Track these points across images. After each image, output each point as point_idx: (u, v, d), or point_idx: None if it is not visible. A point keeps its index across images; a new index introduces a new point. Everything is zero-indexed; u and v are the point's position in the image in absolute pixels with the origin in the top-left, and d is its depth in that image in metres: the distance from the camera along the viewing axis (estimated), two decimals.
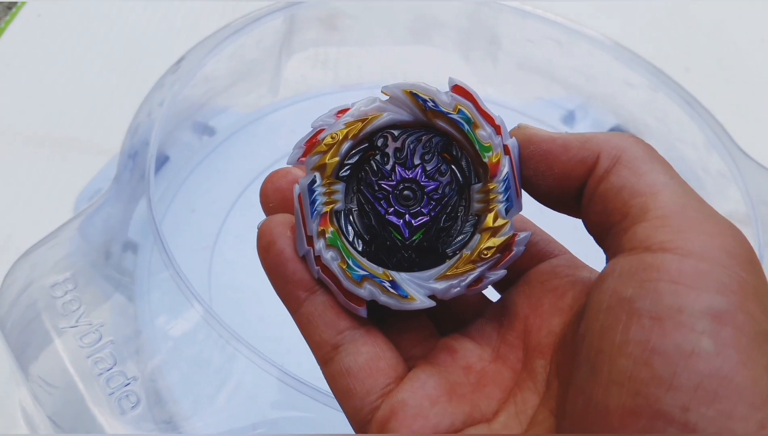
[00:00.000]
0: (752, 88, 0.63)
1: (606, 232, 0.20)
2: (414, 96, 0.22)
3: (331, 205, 0.22)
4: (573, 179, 0.21)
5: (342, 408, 0.22)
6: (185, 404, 0.30)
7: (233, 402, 0.31)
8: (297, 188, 0.22)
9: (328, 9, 0.54)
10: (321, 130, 0.22)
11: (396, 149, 0.22)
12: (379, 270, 0.22)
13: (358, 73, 0.57)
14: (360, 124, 0.22)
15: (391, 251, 0.22)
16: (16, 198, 0.47)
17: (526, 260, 0.23)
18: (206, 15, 0.61)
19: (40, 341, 0.29)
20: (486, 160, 0.22)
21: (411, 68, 0.56)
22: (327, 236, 0.21)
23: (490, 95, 0.54)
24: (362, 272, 0.21)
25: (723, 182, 0.45)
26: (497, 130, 0.22)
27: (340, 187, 0.22)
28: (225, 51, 0.45)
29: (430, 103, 0.22)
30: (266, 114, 0.52)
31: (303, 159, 0.22)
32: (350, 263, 0.21)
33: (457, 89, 0.22)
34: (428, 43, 0.57)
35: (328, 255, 0.21)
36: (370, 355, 0.21)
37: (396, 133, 0.22)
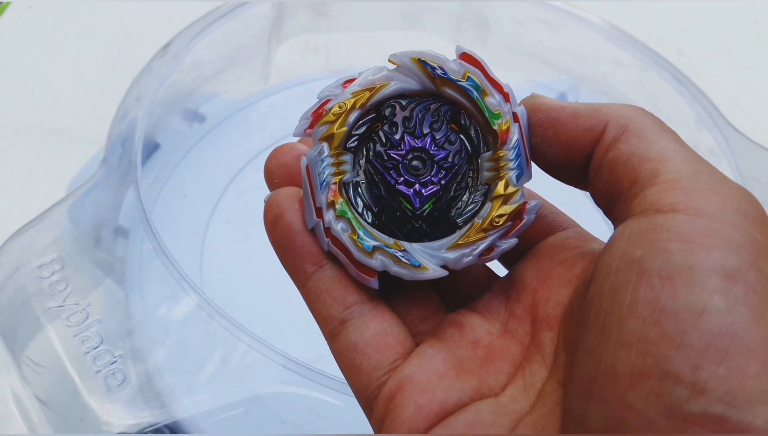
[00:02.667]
0: (745, 70, 0.63)
1: (615, 200, 0.20)
2: (422, 63, 0.21)
3: (339, 176, 0.21)
4: (580, 148, 0.21)
5: (349, 383, 0.21)
6: (172, 382, 0.30)
7: (221, 380, 0.31)
8: (304, 160, 0.21)
9: None
10: (327, 101, 0.21)
11: (405, 118, 0.22)
12: (390, 240, 0.21)
13: (348, 59, 0.57)
14: (367, 94, 0.21)
15: (401, 221, 0.22)
16: (8, 188, 0.47)
17: (535, 233, 0.23)
18: (194, 2, 0.61)
19: (29, 322, 0.29)
20: (496, 127, 0.21)
21: None
22: (336, 207, 0.21)
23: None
24: (373, 243, 0.21)
25: (714, 160, 0.45)
26: (506, 97, 0.21)
27: (347, 157, 0.22)
28: (212, 35, 0.45)
29: (439, 71, 0.21)
30: (257, 100, 0.52)
31: (310, 130, 0.22)
32: (361, 233, 0.21)
33: (466, 57, 0.22)
34: (418, 27, 0.57)
35: (338, 226, 0.21)
36: (377, 330, 0.21)
37: (404, 102, 0.22)
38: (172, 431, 0.29)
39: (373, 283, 0.21)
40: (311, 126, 0.21)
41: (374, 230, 0.21)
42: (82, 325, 0.29)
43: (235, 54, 0.50)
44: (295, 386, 0.29)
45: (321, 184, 0.21)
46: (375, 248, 0.21)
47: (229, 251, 0.43)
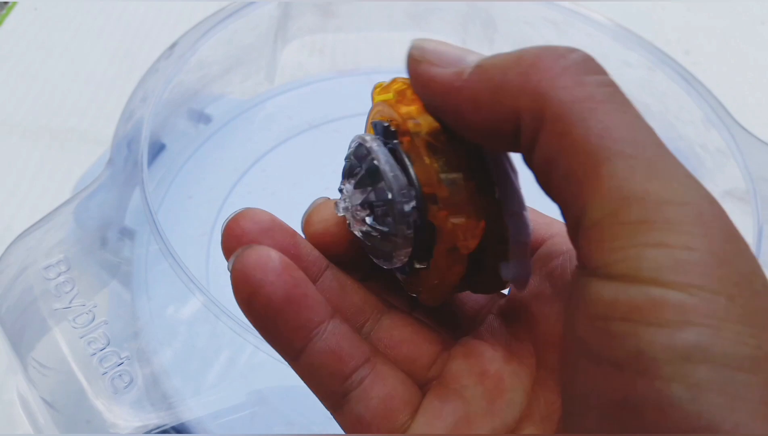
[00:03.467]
0: (753, 69, 0.63)
1: (560, 207, 0.17)
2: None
3: None
4: (501, 141, 0.17)
5: None
6: (179, 383, 0.30)
7: (228, 382, 0.31)
8: None
9: None
10: None
11: None
12: None
13: (355, 60, 0.56)
14: None
15: None
16: (15, 189, 0.47)
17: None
18: (200, 3, 0.61)
19: (35, 324, 0.29)
20: None
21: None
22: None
23: None
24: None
25: (722, 159, 0.45)
26: None
27: None
28: (218, 36, 0.45)
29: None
30: (262, 101, 0.52)
31: None
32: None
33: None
34: (425, 28, 0.57)
35: None
36: (381, 396, 0.19)
37: None
38: (179, 433, 0.29)
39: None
40: None
41: None
42: (88, 326, 0.29)
43: (241, 54, 0.50)
44: (302, 386, 0.29)
45: None
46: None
47: None
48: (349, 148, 0.20)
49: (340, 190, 0.20)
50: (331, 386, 0.19)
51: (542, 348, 0.20)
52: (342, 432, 0.20)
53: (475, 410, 0.19)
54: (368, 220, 0.19)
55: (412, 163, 0.19)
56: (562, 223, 0.19)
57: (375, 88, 0.21)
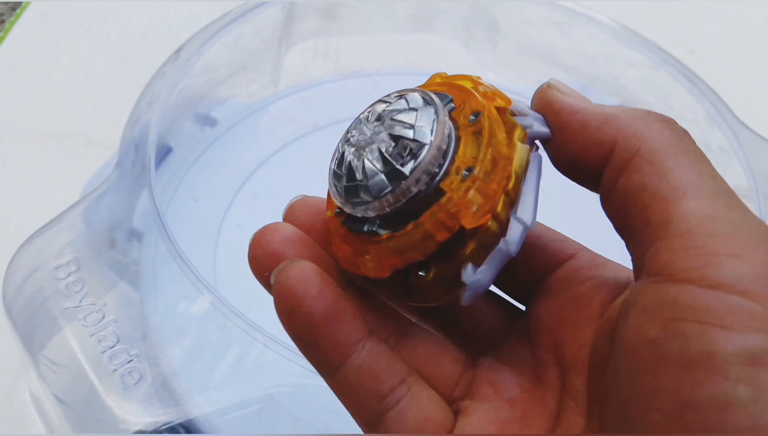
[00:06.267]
0: (757, 69, 0.63)
1: (628, 235, 0.18)
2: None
3: None
4: (590, 162, 0.19)
5: None
6: (188, 380, 0.31)
7: (235, 379, 0.31)
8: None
9: None
10: None
11: None
12: None
13: (358, 62, 0.57)
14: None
15: None
16: (25, 192, 0.48)
17: (543, 266, 0.22)
18: (205, 7, 0.61)
19: (47, 323, 0.30)
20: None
21: (411, 56, 0.56)
22: None
23: (491, 80, 0.54)
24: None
25: (725, 157, 0.45)
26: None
27: None
28: (224, 40, 0.45)
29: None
30: (267, 104, 0.52)
31: None
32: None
33: None
34: (428, 30, 0.57)
35: None
36: (417, 419, 0.19)
37: None
38: (187, 430, 0.29)
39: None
40: None
41: None
42: (98, 325, 0.29)
43: (246, 58, 0.51)
44: (308, 384, 0.29)
45: None
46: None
47: (241, 254, 0.43)
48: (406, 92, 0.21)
49: (356, 127, 0.20)
50: (367, 405, 0.20)
51: (567, 373, 0.20)
52: (349, 432, 0.20)
53: (511, 431, 0.20)
54: (384, 148, 0.19)
55: (463, 144, 0.19)
56: (580, 245, 0.22)
57: (435, 76, 0.22)
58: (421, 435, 0.20)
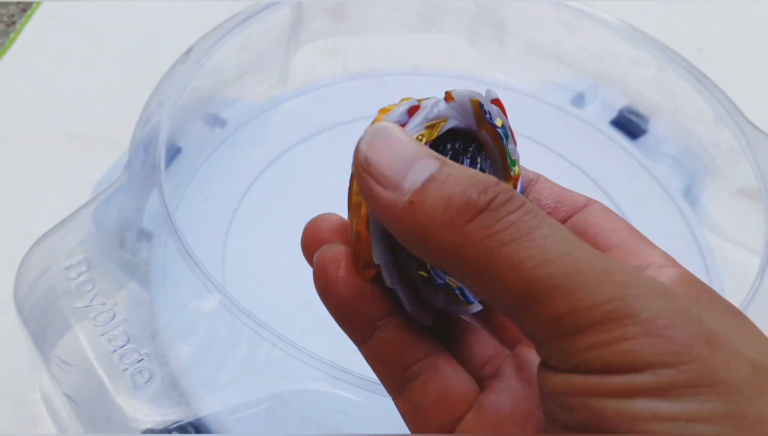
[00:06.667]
0: (765, 67, 0.63)
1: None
2: (480, 106, 0.21)
3: None
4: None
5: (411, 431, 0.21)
6: (197, 379, 0.31)
7: (244, 378, 0.31)
8: None
9: None
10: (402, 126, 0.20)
11: (453, 156, 0.21)
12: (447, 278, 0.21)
13: (367, 62, 0.57)
14: (435, 129, 0.21)
15: None
16: (36, 192, 0.48)
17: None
18: (214, 8, 0.62)
19: (58, 322, 0.30)
20: (513, 173, 0.22)
21: (419, 55, 0.56)
22: None
23: (498, 80, 0.54)
24: (440, 281, 0.21)
25: (734, 157, 0.45)
26: (515, 143, 0.22)
27: None
28: (233, 41, 0.45)
29: (488, 116, 0.21)
30: (276, 105, 0.52)
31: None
32: (432, 272, 0.21)
33: (496, 102, 0.22)
34: (436, 29, 0.57)
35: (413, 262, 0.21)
36: (438, 391, 0.20)
37: (452, 139, 0.21)
38: (196, 429, 0.30)
39: (429, 320, 0.21)
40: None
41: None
42: (108, 324, 0.30)
43: (255, 59, 0.51)
44: (317, 383, 0.29)
45: None
46: (441, 287, 0.21)
47: (250, 254, 0.44)
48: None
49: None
50: (392, 373, 0.21)
51: None
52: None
53: (526, 410, 0.20)
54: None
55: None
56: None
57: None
58: (423, 435, 0.20)
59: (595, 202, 0.22)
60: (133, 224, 0.39)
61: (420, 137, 0.20)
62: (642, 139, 0.52)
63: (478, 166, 0.22)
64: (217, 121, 0.50)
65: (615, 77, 0.53)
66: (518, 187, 0.22)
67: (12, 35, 0.60)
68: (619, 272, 0.16)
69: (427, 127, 0.20)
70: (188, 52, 0.44)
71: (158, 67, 0.44)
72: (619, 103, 0.54)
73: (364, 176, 0.19)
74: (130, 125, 0.42)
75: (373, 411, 0.30)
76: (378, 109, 0.21)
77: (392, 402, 0.21)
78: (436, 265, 0.19)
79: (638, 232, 0.21)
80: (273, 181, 0.48)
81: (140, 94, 0.43)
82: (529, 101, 0.53)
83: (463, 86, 0.22)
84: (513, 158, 0.22)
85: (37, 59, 0.58)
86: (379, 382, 0.21)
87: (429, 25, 0.57)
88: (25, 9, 0.63)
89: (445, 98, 0.21)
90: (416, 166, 0.18)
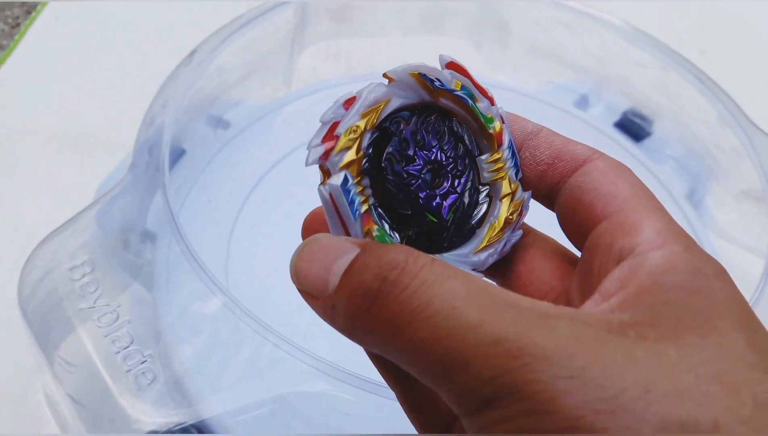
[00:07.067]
0: None
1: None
2: (422, 77, 0.21)
3: (366, 203, 0.20)
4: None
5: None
6: (200, 381, 0.31)
7: (247, 380, 0.31)
8: (324, 190, 0.20)
9: (339, 1, 0.54)
10: (335, 124, 0.20)
11: (412, 133, 0.21)
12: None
13: (370, 64, 0.57)
14: (374, 114, 0.20)
15: (430, 235, 0.21)
16: (39, 194, 0.48)
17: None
18: (218, 10, 0.62)
19: (61, 323, 0.30)
20: (491, 130, 0.22)
21: (422, 57, 0.56)
22: (374, 234, 0.20)
23: (501, 82, 0.54)
24: None
25: (737, 159, 0.45)
26: (491, 101, 0.22)
27: (366, 181, 0.20)
28: (237, 43, 0.45)
29: (437, 83, 0.21)
30: (280, 106, 0.52)
31: (325, 159, 0.20)
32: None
33: (452, 66, 0.22)
34: (439, 32, 0.57)
35: None
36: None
37: (406, 116, 0.21)
38: (200, 430, 0.30)
39: None
40: (326, 155, 0.20)
41: None
42: (112, 326, 0.30)
43: (258, 60, 0.51)
44: (320, 385, 0.29)
45: (354, 214, 0.20)
46: None
47: (254, 255, 0.44)
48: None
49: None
50: None
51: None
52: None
53: None
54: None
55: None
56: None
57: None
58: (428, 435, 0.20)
59: (598, 155, 0.21)
60: (137, 225, 0.39)
61: (355, 128, 0.20)
62: (646, 142, 0.52)
63: (446, 135, 0.22)
64: (221, 123, 0.50)
65: (618, 79, 0.53)
66: (504, 143, 0.22)
67: (16, 37, 0.60)
68: (512, 337, 0.16)
69: (364, 116, 0.20)
70: (192, 53, 0.44)
71: (162, 68, 0.45)
72: (622, 105, 0.54)
73: (299, 290, 0.19)
74: (134, 127, 0.42)
75: (376, 413, 0.30)
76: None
77: (395, 403, 0.21)
78: (373, 353, 0.20)
79: (639, 193, 0.20)
80: (277, 183, 0.48)
81: (144, 95, 0.43)
82: (532, 103, 0.53)
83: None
84: (487, 116, 0.22)
85: (41, 61, 0.59)
86: (382, 384, 0.21)
87: (432, 27, 0.57)
88: (30, 11, 0.63)
89: (387, 82, 0.21)
90: (335, 267, 0.18)
